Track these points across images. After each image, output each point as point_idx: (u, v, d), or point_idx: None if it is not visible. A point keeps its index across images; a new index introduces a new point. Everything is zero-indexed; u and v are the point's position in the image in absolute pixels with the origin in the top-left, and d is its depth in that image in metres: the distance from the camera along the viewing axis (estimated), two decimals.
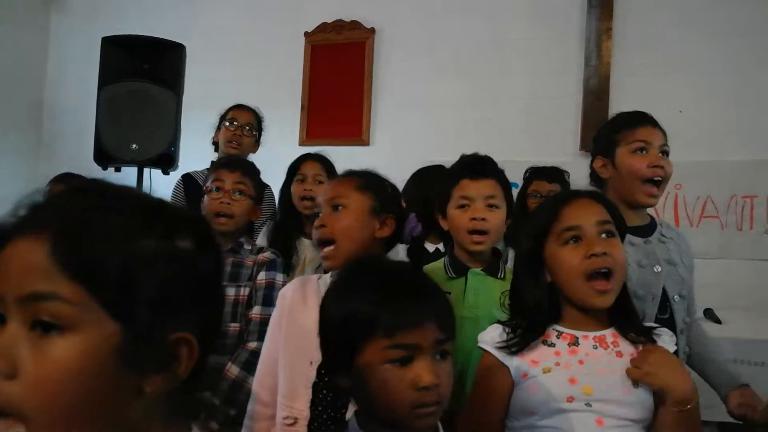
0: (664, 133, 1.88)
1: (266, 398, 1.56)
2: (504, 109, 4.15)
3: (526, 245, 1.44)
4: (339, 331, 1.05)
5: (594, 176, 1.96)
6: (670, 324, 1.74)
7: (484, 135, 4.10)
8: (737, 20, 3.97)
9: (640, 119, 1.87)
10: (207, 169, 2.76)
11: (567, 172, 3.07)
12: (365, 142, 4.32)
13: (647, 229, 1.85)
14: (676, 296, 1.77)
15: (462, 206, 1.78)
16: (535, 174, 3.04)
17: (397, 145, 4.20)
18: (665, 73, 4.03)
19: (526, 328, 1.39)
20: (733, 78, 3.95)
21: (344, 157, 4.25)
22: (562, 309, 1.42)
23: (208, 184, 2.12)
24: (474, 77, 4.21)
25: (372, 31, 4.31)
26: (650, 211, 1.95)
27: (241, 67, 4.45)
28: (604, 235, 1.37)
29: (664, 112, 3.90)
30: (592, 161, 1.96)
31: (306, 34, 4.39)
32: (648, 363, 1.29)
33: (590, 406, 1.30)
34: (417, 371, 1.00)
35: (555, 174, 3.05)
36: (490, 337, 1.42)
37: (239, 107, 3.22)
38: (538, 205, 1.56)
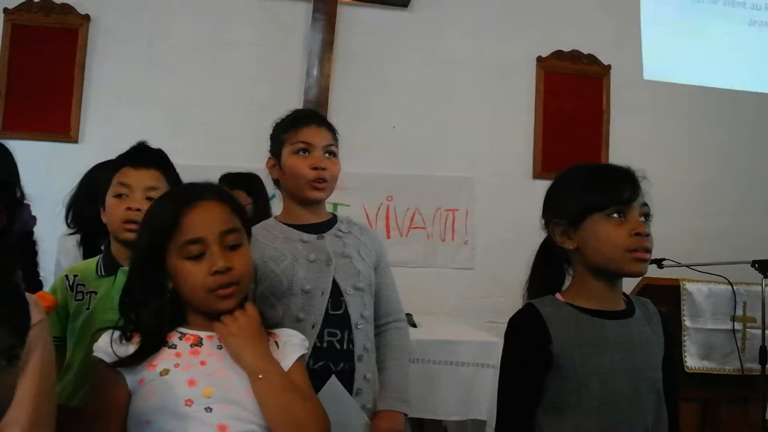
0: (332, 132, 1.87)
1: None
2: (223, 113, 4.05)
3: (143, 247, 1.31)
4: None
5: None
6: (345, 319, 1.74)
7: (201, 139, 3.98)
8: (448, 46, 4.26)
9: (305, 119, 1.85)
10: None
11: (259, 177, 3.02)
12: (73, 139, 3.96)
13: (324, 226, 1.83)
14: (349, 288, 1.75)
15: (119, 195, 1.67)
16: (224, 181, 2.95)
17: (108, 144, 3.84)
18: (382, 90, 4.22)
19: (146, 337, 1.27)
20: (442, 100, 4.23)
21: (47, 154, 3.97)
22: (187, 313, 1.31)
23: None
24: (193, 78, 4.07)
25: (86, 18, 3.99)
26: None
27: None
28: (227, 248, 1.28)
29: (379, 127, 4.21)
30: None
31: (6, 10, 3.95)
32: (235, 325, 1.26)
33: (210, 410, 1.20)
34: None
35: (243, 181, 3.00)
36: (105, 343, 1.28)
37: None
38: (158, 203, 1.38)
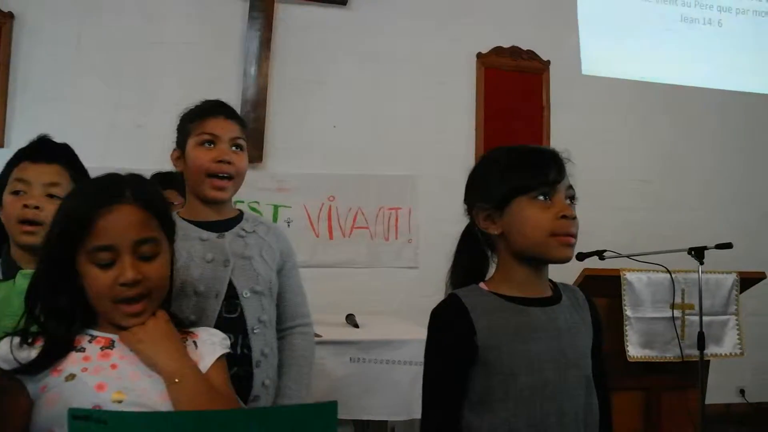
0: (241, 125, 1.77)
1: None
2: (157, 115, 3.90)
3: (53, 250, 1.20)
4: None
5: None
6: (240, 323, 1.64)
7: (134, 141, 3.84)
8: (387, 44, 4.22)
9: (212, 110, 1.74)
10: None
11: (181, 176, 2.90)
12: None
13: (226, 224, 1.73)
14: (246, 291, 1.65)
15: (16, 192, 1.54)
16: (155, 179, 2.83)
17: None
18: (321, 89, 4.15)
19: (50, 341, 1.16)
20: (383, 98, 4.18)
21: None
22: (98, 314, 1.21)
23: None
24: (125, 79, 3.92)
25: (10, 15, 3.82)
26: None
27: None
28: (141, 258, 1.18)
29: (319, 126, 4.13)
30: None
31: None
32: (143, 331, 1.18)
33: None
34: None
35: (175, 180, 2.89)
36: (4, 350, 1.17)
37: None
38: (74, 196, 1.27)
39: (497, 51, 4.35)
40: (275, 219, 3.95)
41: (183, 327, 1.27)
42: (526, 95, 4.35)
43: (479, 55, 4.33)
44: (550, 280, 1.36)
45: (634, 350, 2.85)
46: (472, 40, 4.32)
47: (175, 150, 1.76)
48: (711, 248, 2.83)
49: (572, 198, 1.30)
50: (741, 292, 3.01)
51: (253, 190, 3.86)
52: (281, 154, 4.07)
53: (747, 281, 3.06)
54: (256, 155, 3.97)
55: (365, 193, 4.11)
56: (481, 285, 1.32)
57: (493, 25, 4.38)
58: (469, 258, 1.36)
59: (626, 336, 2.85)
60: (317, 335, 2.72)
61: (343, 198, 4.08)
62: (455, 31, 4.31)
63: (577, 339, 1.30)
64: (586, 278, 2.84)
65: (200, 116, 1.72)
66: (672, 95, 4.60)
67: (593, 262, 3.04)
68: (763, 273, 3.10)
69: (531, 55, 4.39)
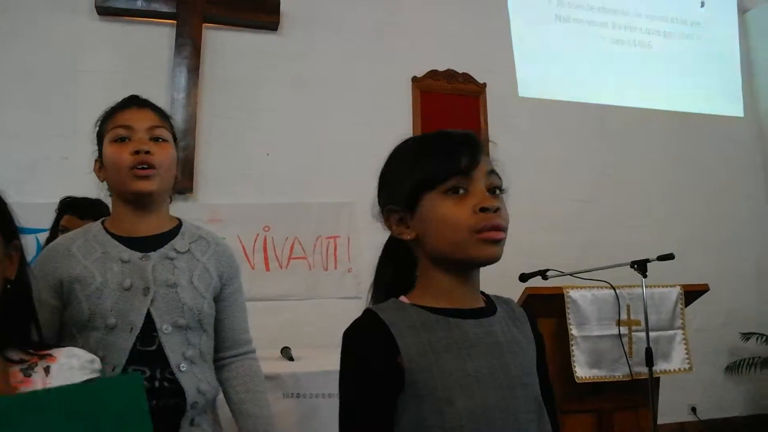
0: (160, 114, 1.59)
1: None
2: (83, 147, 3.69)
3: None
4: None
5: None
6: (159, 357, 1.44)
7: (59, 174, 3.61)
8: (320, 69, 4.13)
9: (123, 103, 1.57)
10: None
11: (106, 204, 2.72)
12: None
13: (156, 241, 1.52)
14: (166, 326, 1.45)
15: None
16: (66, 207, 2.63)
17: None
18: (253, 116, 4.02)
19: None
20: (317, 124, 4.07)
21: None
22: None
23: None
24: (47, 110, 3.72)
25: None
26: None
27: None
28: None
29: (252, 154, 3.97)
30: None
31: None
32: None
33: None
34: None
35: (88, 209, 2.69)
36: None
37: None
38: None
39: (432, 74, 4.30)
40: None
41: (39, 348, 1.05)
42: (464, 118, 4.29)
43: (414, 79, 4.27)
44: (482, 292, 1.15)
45: (582, 371, 2.75)
46: (407, 63, 4.26)
47: (96, 161, 1.58)
48: (653, 260, 2.77)
49: (498, 188, 1.09)
50: (686, 305, 2.95)
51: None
52: (213, 184, 3.89)
53: (691, 294, 3.01)
54: (187, 186, 3.80)
55: (302, 221, 3.96)
56: (402, 298, 1.11)
57: (428, 48, 4.33)
58: (394, 272, 1.16)
59: (573, 356, 2.74)
60: None
61: (279, 228, 3.91)
62: (389, 54, 4.25)
63: (520, 355, 1.10)
64: (528, 297, 2.74)
65: (111, 113, 1.55)
66: (606, 115, 4.63)
67: (537, 282, 2.96)
68: (706, 285, 3.05)
69: (467, 77, 4.35)
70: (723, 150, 4.96)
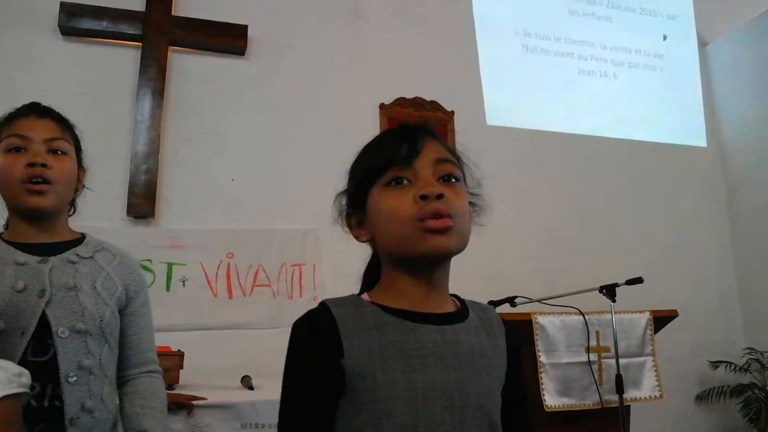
0: (63, 125, 1.51)
1: None
2: None
3: None
4: None
5: None
6: (50, 368, 1.32)
7: None
8: (287, 95, 4.09)
9: (23, 110, 1.50)
10: None
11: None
12: None
13: (57, 247, 1.45)
14: (62, 330, 1.35)
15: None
16: None
17: None
18: (219, 141, 3.95)
19: None
20: (282, 150, 4.01)
21: None
22: None
23: None
24: None
25: None
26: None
27: None
28: None
29: (217, 179, 3.89)
30: None
31: None
32: None
33: None
34: None
35: None
36: None
37: None
38: None
39: (400, 102, 4.28)
40: (169, 278, 3.64)
41: None
42: None
43: (382, 106, 4.24)
44: (456, 296, 1.08)
45: (552, 399, 2.69)
46: (374, 90, 4.24)
47: None
48: (622, 284, 2.75)
49: (451, 175, 1.02)
50: (655, 332, 2.92)
51: (145, 248, 3.57)
52: (176, 209, 3.80)
53: (660, 320, 2.99)
54: (149, 210, 3.71)
55: (266, 248, 3.86)
56: (363, 295, 1.04)
57: (396, 76, 4.32)
58: (376, 276, 1.09)
59: (542, 384, 2.69)
60: (201, 398, 2.43)
61: (243, 255, 3.81)
62: (357, 81, 4.22)
63: (483, 371, 0.99)
64: None
65: (8, 120, 1.47)
66: (572, 144, 4.65)
67: (504, 310, 2.91)
68: (675, 311, 3.04)
69: (435, 105, 4.35)
70: (687, 180, 5.01)
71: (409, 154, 1.00)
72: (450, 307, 1.04)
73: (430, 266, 1.00)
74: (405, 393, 0.92)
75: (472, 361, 0.99)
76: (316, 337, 0.96)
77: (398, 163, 1.00)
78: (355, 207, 1.06)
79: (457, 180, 1.03)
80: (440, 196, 0.96)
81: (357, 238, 1.08)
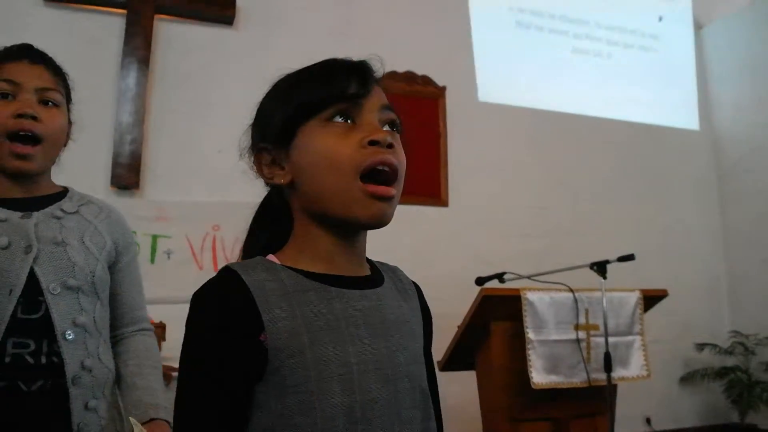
0: (57, 74, 1.40)
1: None
2: None
3: None
4: None
5: None
6: (43, 325, 1.25)
7: None
8: (276, 67, 3.99)
9: (14, 53, 1.37)
10: None
11: None
12: None
13: (39, 202, 1.36)
14: (54, 286, 1.27)
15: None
16: None
17: None
18: (206, 112, 3.87)
19: None
20: None
21: None
22: None
23: None
24: None
25: None
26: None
27: None
28: None
29: (205, 151, 3.82)
30: None
31: None
32: None
33: None
34: None
35: None
36: None
37: None
38: None
39: (391, 75, 4.20)
40: (154, 250, 3.58)
41: None
42: (422, 121, 4.21)
43: None
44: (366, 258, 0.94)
45: (539, 376, 2.66)
46: None
47: None
48: (613, 261, 2.72)
49: (395, 125, 0.88)
50: (645, 311, 2.90)
51: (129, 219, 3.42)
52: (161, 181, 3.73)
53: (650, 299, 2.96)
54: (133, 181, 3.63)
55: None
56: (270, 257, 0.87)
57: (388, 50, 4.21)
58: (272, 236, 0.93)
59: (530, 361, 2.65)
60: None
61: (229, 227, 3.75)
62: (347, 53, 4.09)
63: (407, 337, 0.89)
64: (484, 299, 2.65)
65: None
66: (564, 123, 4.61)
67: (494, 284, 2.88)
68: (665, 291, 3.01)
69: (426, 80, 4.28)
70: (678, 163, 4.99)
71: (358, 92, 0.85)
72: (366, 270, 0.92)
73: (359, 230, 0.89)
74: (339, 369, 0.80)
75: (397, 328, 0.88)
76: (226, 310, 0.79)
77: (345, 99, 0.85)
78: (276, 143, 0.89)
79: (399, 133, 0.89)
80: (390, 146, 0.83)
81: (269, 179, 0.90)
